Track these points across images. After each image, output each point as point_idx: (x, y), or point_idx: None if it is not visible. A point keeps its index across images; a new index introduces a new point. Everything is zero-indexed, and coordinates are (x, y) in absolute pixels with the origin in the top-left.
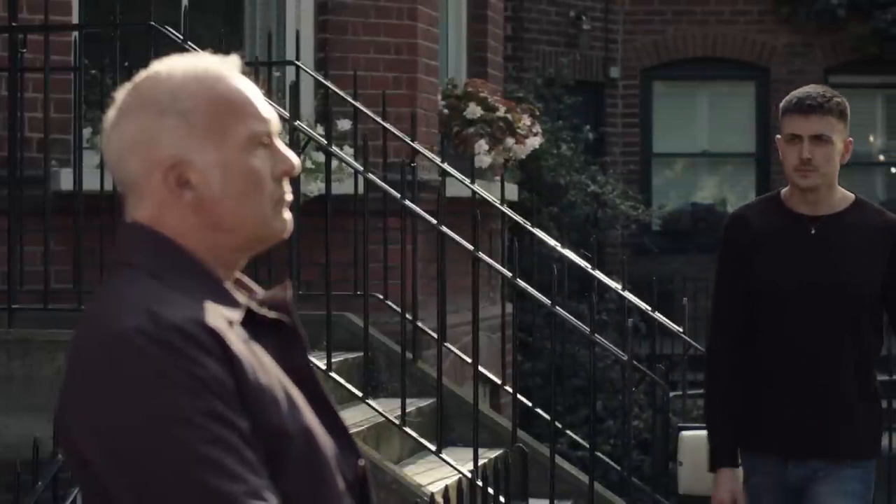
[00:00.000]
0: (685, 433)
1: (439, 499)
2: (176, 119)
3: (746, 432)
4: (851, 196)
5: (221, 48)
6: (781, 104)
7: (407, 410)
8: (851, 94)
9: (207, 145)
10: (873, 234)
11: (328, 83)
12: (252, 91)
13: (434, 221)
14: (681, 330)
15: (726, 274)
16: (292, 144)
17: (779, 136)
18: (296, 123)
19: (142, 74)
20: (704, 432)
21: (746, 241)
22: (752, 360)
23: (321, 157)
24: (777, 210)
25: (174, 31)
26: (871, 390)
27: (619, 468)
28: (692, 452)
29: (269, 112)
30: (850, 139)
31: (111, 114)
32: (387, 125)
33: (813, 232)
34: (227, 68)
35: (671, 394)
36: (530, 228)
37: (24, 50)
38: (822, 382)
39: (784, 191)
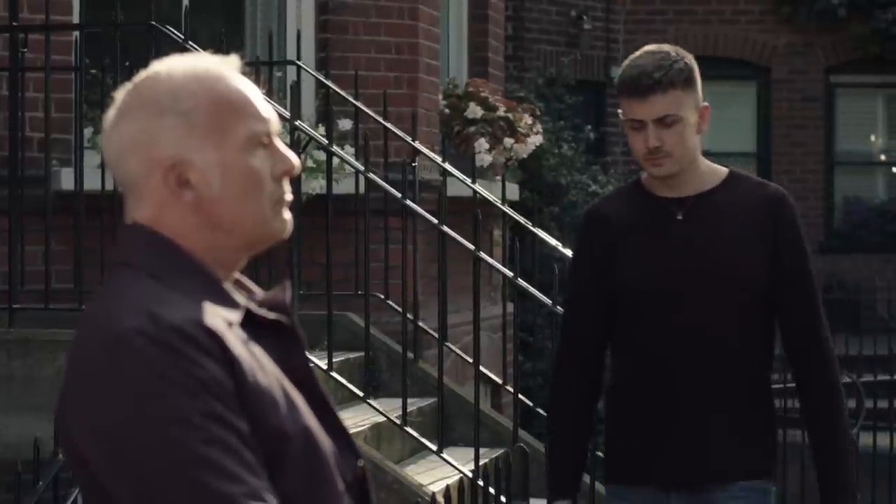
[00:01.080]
0: None
1: (440, 499)
2: (176, 119)
3: (619, 464)
4: (724, 170)
5: (222, 48)
6: (616, 81)
7: (408, 410)
8: (852, 93)
9: (207, 145)
10: (752, 210)
11: (329, 83)
12: (252, 91)
13: (435, 221)
14: None
15: (580, 283)
16: (293, 144)
17: (625, 127)
18: (297, 123)
19: (142, 74)
20: None
21: (605, 242)
22: (620, 376)
23: (322, 156)
24: (638, 199)
25: (175, 31)
26: (762, 401)
27: None
28: None
29: (268, 112)
30: (706, 105)
31: (111, 114)
32: (388, 125)
33: (680, 217)
34: (227, 68)
35: None
36: (531, 228)
37: (25, 49)
38: (701, 396)
39: (645, 175)
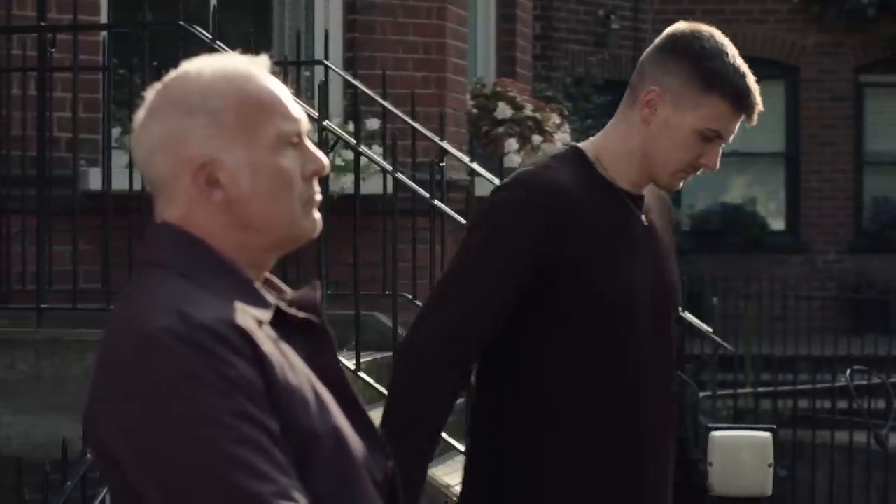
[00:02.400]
0: (715, 433)
1: None
2: (205, 118)
3: None
4: None
5: (250, 48)
6: (717, 77)
7: None
8: (881, 93)
9: (237, 145)
10: (666, 210)
11: (357, 83)
12: (281, 91)
13: (463, 221)
14: (710, 330)
15: (501, 271)
16: (321, 144)
17: (677, 120)
18: (325, 123)
19: (171, 74)
20: (735, 433)
21: (564, 227)
22: (567, 407)
23: (350, 155)
24: (599, 186)
25: (203, 31)
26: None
27: None
28: (722, 453)
29: (298, 112)
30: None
31: (140, 113)
32: (416, 125)
33: (643, 218)
34: (256, 68)
35: (701, 394)
36: None
37: (53, 50)
38: (665, 435)
39: (593, 152)
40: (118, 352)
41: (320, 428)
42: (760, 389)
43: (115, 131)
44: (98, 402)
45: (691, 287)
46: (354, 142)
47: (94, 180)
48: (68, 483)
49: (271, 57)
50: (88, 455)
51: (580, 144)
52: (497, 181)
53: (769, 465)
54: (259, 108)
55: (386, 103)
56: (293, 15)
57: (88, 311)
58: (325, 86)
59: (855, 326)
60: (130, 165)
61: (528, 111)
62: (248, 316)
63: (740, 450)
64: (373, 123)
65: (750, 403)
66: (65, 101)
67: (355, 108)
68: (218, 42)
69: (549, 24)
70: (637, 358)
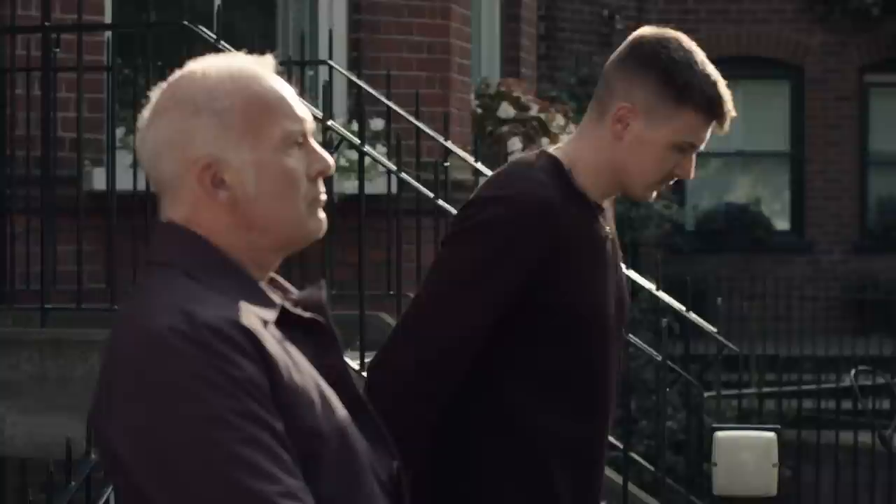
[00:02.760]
0: (720, 433)
1: None
2: (211, 118)
3: None
4: None
5: (255, 48)
6: (687, 89)
7: None
8: (886, 93)
9: (242, 145)
10: (614, 218)
11: (361, 83)
12: (287, 91)
13: None
14: (715, 330)
15: (488, 299)
16: (325, 144)
17: (650, 135)
18: (329, 123)
19: (177, 74)
20: (740, 433)
21: (550, 247)
22: (541, 434)
23: (354, 155)
24: (574, 196)
25: (207, 31)
26: None
27: (653, 469)
28: (727, 453)
29: (303, 112)
30: None
31: (146, 113)
32: (420, 124)
33: (607, 231)
34: (262, 68)
35: (705, 394)
36: None
37: (58, 50)
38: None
39: (567, 162)
40: (123, 351)
41: (325, 428)
42: (765, 390)
43: (120, 131)
44: (104, 402)
45: (696, 287)
46: (358, 142)
47: (98, 180)
48: (72, 483)
49: (276, 57)
50: (93, 455)
51: (553, 152)
52: None
53: (773, 466)
54: (265, 108)
55: (390, 103)
56: (297, 15)
57: (93, 311)
58: (329, 86)
59: (859, 327)
60: (134, 165)
61: (532, 111)
62: (253, 316)
63: (744, 450)
64: (377, 123)
65: (754, 404)
66: (69, 101)
67: (359, 108)
68: (222, 42)
69: (554, 24)
70: (604, 373)
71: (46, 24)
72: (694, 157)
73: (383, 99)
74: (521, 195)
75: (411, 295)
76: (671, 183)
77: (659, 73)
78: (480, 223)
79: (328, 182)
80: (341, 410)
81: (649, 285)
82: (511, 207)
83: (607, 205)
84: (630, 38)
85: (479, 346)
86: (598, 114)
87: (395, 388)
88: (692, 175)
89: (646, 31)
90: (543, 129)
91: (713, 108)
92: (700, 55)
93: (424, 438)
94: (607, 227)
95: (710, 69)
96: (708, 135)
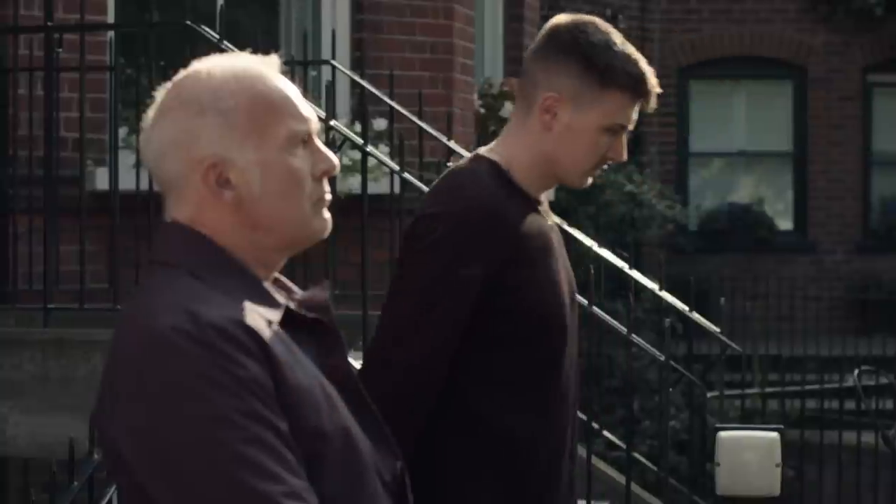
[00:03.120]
0: (723, 434)
1: None
2: (216, 118)
3: None
4: None
5: (257, 47)
6: (609, 70)
7: None
8: (889, 92)
9: (247, 144)
10: (551, 211)
11: (364, 82)
12: (292, 91)
13: None
14: (718, 330)
15: (452, 315)
16: (329, 144)
17: (580, 122)
18: (332, 123)
19: (182, 74)
20: (743, 433)
21: (503, 258)
22: (514, 442)
23: (357, 155)
24: (517, 196)
25: (210, 31)
26: None
27: (655, 469)
28: (729, 453)
29: (308, 111)
30: None
31: (150, 113)
32: (423, 125)
33: (552, 227)
34: (266, 68)
35: (708, 394)
36: (566, 228)
37: (60, 49)
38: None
39: (503, 162)
40: (127, 351)
41: (329, 428)
42: (768, 390)
43: (122, 131)
44: (107, 402)
45: (699, 287)
46: (362, 142)
47: (101, 180)
48: (75, 483)
49: (279, 57)
50: (96, 455)
51: (486, 154)
52: None
53: (776, 466)
54: (270, 107)
55: (393, 103)
56: (300, 14)
57: (95, 311)
58: (332, 86)
59: (863, 327)
60: (137, 165)
61: None
62: (257, 316)
63: (748, 450)
64: (380, 123)
65: (757, 404)
66: (72, 101)
67: (362, 108)
68: (225, 42)
69: None
70: (566, 368)
71: (49, 23)
72: (624, 137)
73: (386, 99)
74: (468, 208)
75: None
76: (605, 168)
77: (580, 59)
78: (432, 243)
79: (332, 182)
80: (345, 411)
81: (652, 285)
82: (460, 222)
83: (544, 198)
84: (546, 27)
85: (450, 357)
86: (525, 108)
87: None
88: (624, 156)
89: (561, 18)
90: None
91: (638, 87)
92: (618, 37)
93: (412, 447)
94: (549, 221)
95: (630, 49)
96: (636, 114)
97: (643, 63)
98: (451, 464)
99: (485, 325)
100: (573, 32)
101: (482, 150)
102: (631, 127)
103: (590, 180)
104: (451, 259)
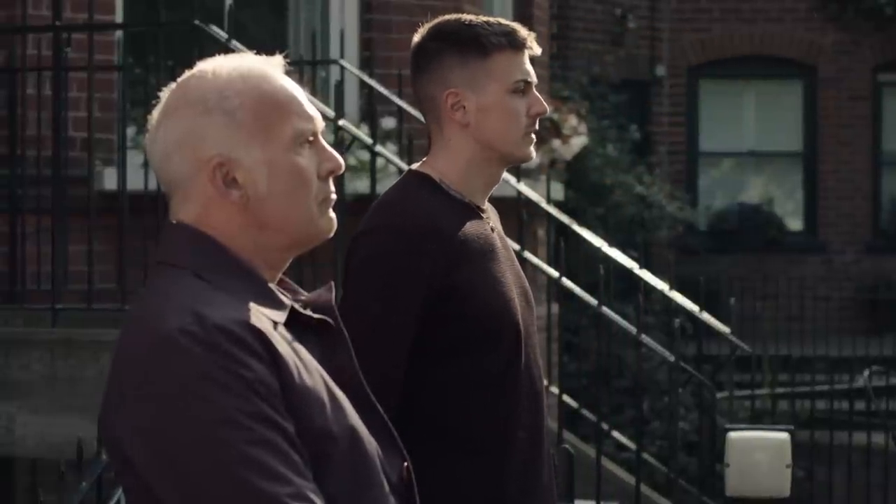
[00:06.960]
0: (732, 434)
1: None
2: (222, 117)
3: None
4: None
5: (266, 47)
6: (483, 40)
7: None
8: None
9: (253, 144)
10: (498, 214)
11: (372, 82)
12: (297, 90)
13: None
14: (728, 331)
15: (397, 343)
16: (337, 144)
17: (486, 99)
18: (341, 123)
19: (187, 74)
20: (753, 434)
21: (446, 263)
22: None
23: (365, 155)
24: (452, 204)
25: (218, 31)
26: None
27: (665, 469)
28: (739, 454)
29: (313, 111)
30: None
31: (156, 113)
32: None
33: (494, 230)
34: (271, 67)
35: (718, 395)
36: (576, 228)
37: (69, 49)
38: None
39: (436, 175)
40: (134, 352)
41: (335, 429)
42: (778, 390)
43: (131, 131)
44: (114, 403)
45: (708, 287)
46: (370, 141)
47: (109, 180)
48: (83, 483)
49: (287, 56)
50: (104, 455)
51: (418, 169)
52: (513, 180)
53: (786, 467)
54: (275, 107)
55: (402, 103)
56: (309, 14)
57: (103, 311)
58: (340, 85)
59: (873, 327)
60: (146, 165)
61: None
62: (263, 317)
63: (757, 451)
64: (388, 123)
65: (767, 404)
66: (80, 100)
67: (371, 108)
68: (233, 41)
69: (566, 24)
70: (527, 367)
71: (57, 23)
72: (535, 90)
73: (395, 98)
74: (402, 221)
75: None
76: (537, 128)
77: (452, 50)
78: (369, 258)
79: (339, 182)
80: (351, 411)
81: (662, 286)
82: (400, 234)
83: (488, 204)
84: (411, 51)
85: (404, 370)
86: (436, 122)
87: None
88: (545, 107)
89: (415, 37)
90: (556, 129)
91: (513, 40)
92: (468, 14)
93: None
94: (491, 226)
95: (482, 17)
96: (529, 66)
97: (503, 20)
98: (427, 477)
99: (435, 334)
100: (432, 36)
101: (414, 167)
102: (532, 79)
103: (532, 148)
104: (389, 272)
